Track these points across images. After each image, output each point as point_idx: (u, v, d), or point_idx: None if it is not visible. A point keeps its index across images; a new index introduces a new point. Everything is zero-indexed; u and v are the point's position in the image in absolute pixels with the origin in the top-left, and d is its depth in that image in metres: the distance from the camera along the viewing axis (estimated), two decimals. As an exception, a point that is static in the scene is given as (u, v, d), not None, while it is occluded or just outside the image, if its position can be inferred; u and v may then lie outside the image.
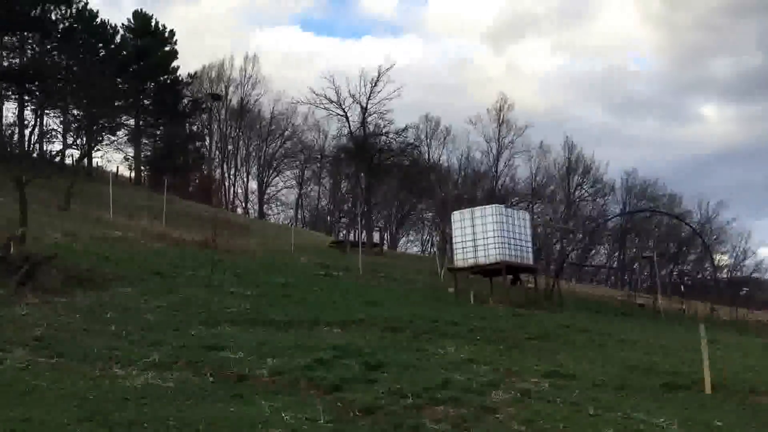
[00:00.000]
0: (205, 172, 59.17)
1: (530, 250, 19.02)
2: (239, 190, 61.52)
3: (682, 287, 33.97)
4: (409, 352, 10.25)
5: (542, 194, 56.36)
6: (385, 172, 46.27)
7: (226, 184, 60.39)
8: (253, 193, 61.18)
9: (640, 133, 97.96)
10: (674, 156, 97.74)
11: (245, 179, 61.24)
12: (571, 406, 8.07)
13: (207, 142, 59.57)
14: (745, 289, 50.37)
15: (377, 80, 43.47)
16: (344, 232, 55.52)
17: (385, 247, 50.27)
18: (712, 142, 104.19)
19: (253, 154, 60.56)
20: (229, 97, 58.51)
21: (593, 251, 57.40)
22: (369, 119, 44.05)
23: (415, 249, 59.27)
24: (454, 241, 18.85)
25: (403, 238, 62.50)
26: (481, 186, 54.26)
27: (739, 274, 49.79)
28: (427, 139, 57.67)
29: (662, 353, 11.95)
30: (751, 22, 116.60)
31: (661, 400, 9.00)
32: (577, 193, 57.12)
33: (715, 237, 50.92)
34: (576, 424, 7.32)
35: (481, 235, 17.96)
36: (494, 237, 17.81)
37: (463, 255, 18.50)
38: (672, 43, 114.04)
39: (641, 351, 11.96)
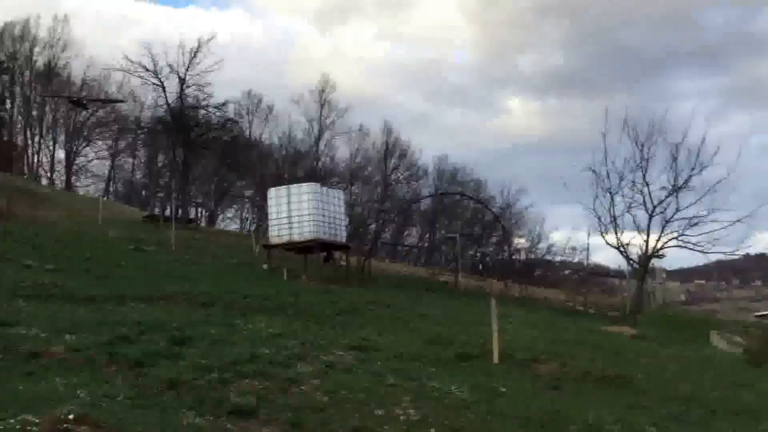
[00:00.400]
0: (5, 137, 54.23)
1: (344, 228, 19.48)
2: (44, 159, 57.07)
3: (481, 266, 36.31)
4: (218, 327, 10.19)
5: (360, 175, 57.53)
6: (204, 146, 45.04)
7: (30, 151, 55.77)
8: (60, 162, 57.08)
9: (454, 122, 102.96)
10: (482, 144, 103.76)
11: (51, 147, 56.91)
12: (373, 376, 8.47)
13: (8, 106, 54.57)
14: (538, 270, 54.62)
15: (197, 51, 42.14)
16: (159, 206, 53.37)
17: (203, 224, 49.00)
18: (516, 134, 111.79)
19: (61, 121, 56.38)
20: (34, 58, 53.98)
21: (406, 232, 59.65)
22: (187, 91, 42.64)
23: (234, 226, 58.33)
24: (269, 217, 18.83)
25: (222, 215, 61.25)
26: (301, 165, 54.33)
27: (533, 256, 53.78)
28: (248, 115, 56.69)
29: (459, 327, 12.78)
30: (555, 23, 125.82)
31: (455, 369, 9.68)
32: (393, 175, 58.90)
33: (514, 221, 54.70)
34: (376, 393, 7.71)
35: (296, 212, 18.10)
36: (309, 215, 18.03)
37: (277, 232, 18.56)
38: (485, 38, 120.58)
39: (440, 325, 12.71)
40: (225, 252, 23.44)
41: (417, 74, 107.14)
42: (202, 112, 43.66)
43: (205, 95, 43.10)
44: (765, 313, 35.87)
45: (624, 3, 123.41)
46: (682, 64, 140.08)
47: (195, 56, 41.96)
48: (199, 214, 56.55)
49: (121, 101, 47.01)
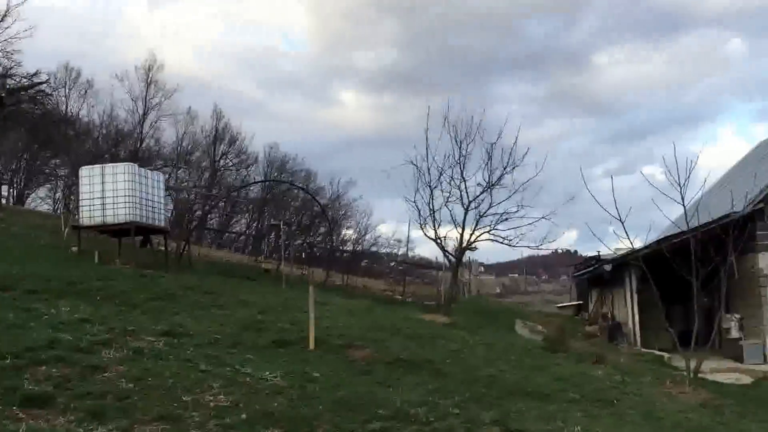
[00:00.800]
0: None
1: (162, 212, 18.78)
2: None
3: (303, 255, 36.54)
4: (16, 312, 9.49)
5: (188, 160, 55.66)
6: (12, 120, 41.52)
7: None
8: None
9: (287, 110, 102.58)
10: (315, 135, 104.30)
11: None
12: (184, 362, 8.28)
13: None
14: (365, 261, 55.82)
15: (5, 15, 38.72)
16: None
17: (11, 203, 45.26)
18: (349, 126, 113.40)
19: None
20: None
21: (235, 219, 58.59)
22: (-8, 58, 39.05)
23: (46, 207, 54.37)
24: (81, 198, 17.74)
25: (34, 195, 56.85)
26: (124, 146, 51.60)
27: (360, 247, 54.90)
28: (65, 89, 52.93)
29: (277, 313, 12.76)
30: (391, 20, 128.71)
31: (270, 355, 9.68)
32: (222, 161, 57.58)
33: (342, 212, 55.56)
34: (186, 379, 7.54)
35: (110, 193, 17.17)
36: (125, 196, 17.17)
37: (90, 213, 17.50)
38: (322, 29, 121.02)
39: (260, 312, 12.62)
40: (31, 233, 21.83)
41: (251, 60, 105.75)
42: (10, 81, 40.24)
43: (14, 63, 39.78)
44: (565, 304, 38.88)
45: (455, 8, 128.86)
46: (504, 70, 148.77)
47: (2, 20, 38.59)
48: (6, 193, 52.25)
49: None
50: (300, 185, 47.85)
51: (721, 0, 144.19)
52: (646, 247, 19.00)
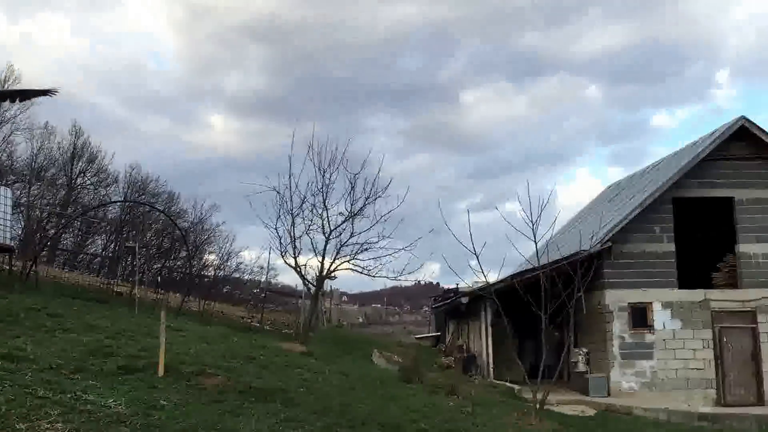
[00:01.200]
0: None
1: (9, 229, 17.73)
2: None
3: (160, 279, 35.44)
4: None
5: (42, 176, 52.60)
6: None
7: None
8: None
9: (152, 130, 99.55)
10: (180, 157, 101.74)
11: None
12: (21, 388, 7.88)
13: None
14: (227, 286, 54.62)
15: None
16: None
17: None
18: (215, 150, 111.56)
19: None
20: None
21: (90, 240, 55.83)
22: None
23: None
24: None
25: None
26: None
27: (222, 273, 53.66)
28: None
29: (127, 339, 12.36)
30: (263, 47, 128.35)
31: (116, 382, 9.36)
32: (79, 180, 54.84)
33: (205, 237, 54.14)
34: (21, 406, 7.19)
35: (-49, 207, 16.08)
36: (-34, 211, 16.14)
37: (-75, 228, 16.29)
38: (192, 51, 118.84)
39: (109, 336, 12.18)
40: None
41: (116, 77, 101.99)
42: None
43: None
44: (424, 335, 39.79)
45: (327, 39, 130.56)
46: (375, 102, 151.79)
47: None
48: None
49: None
50: (160, 208, 46.36)
51: (580, 49, 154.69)
52: (500, 282, 19.85)
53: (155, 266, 49.65)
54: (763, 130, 21.98)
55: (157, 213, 47.48)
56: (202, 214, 54.77)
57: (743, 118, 22.09)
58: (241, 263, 55.65)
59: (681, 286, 21.78)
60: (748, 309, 21.58)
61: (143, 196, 53.55)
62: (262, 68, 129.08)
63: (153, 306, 20.09)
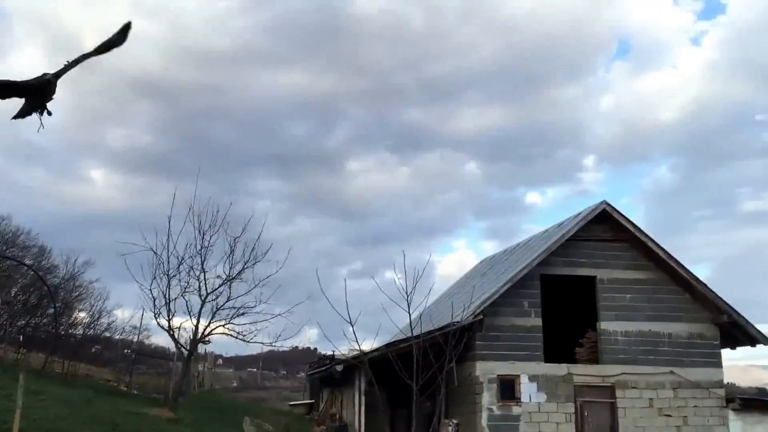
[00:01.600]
0: None
1: None
2: None
3: (21, 338, 33.56)
4: None
5: None
6: None
7: None
8: None
9: (26, 181, 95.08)
10: (55, 210, 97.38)
11: None
12: None
13: None
14: (96, 346, 52.03)
15: None
16: None
17: None
18: (94, 205, 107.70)
19: None
20: None
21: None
22: None
23: None
24: None
25: None
26: None
27: (93, 332, 51.16)
28: None
29: (-19, 402, 11.76)
30: (148, 103, 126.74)
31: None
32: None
33: (77, 294, 51.66)
34: None
35: None
36: None
37: None
38: (75, 102, 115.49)
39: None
40: None
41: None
42: None
43: None
44: (298, 402, 39.23)
45: (214, 101, 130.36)
46: (260, 166, 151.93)
47: None
48: None
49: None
50: (29, 262, 44.09)
51: (461, 127, 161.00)
52: (374, 351, 20.09)
53: (19, 323, 46.81)
54: (622, 215, 23.64)
55: (26, 268, 45.10)
56: (74, 269, 52.43)
57: (605, 202, 23.69)
58: (113, 322, 53.37)
59: (547, 360, 22.50)
60: (608, 384, 22.65)
61: (11, 250, 50.83)
62: (147, 125, 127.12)
63: (14, 366, 19.07)
